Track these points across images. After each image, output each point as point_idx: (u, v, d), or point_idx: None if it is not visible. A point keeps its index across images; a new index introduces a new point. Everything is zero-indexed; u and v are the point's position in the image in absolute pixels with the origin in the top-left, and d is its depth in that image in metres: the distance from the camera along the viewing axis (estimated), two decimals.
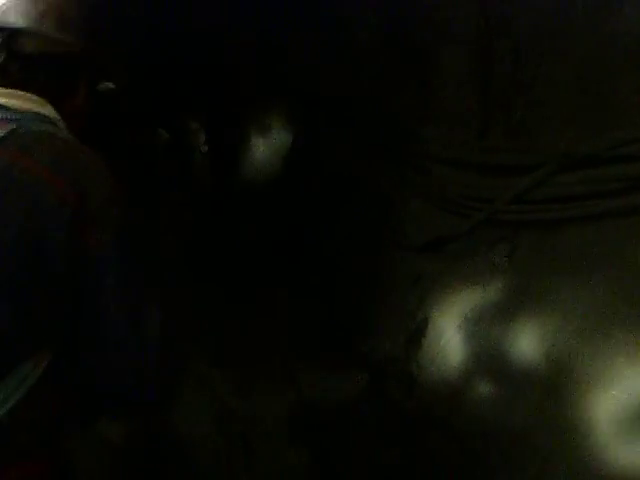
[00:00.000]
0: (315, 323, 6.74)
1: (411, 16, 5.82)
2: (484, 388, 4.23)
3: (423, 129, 5.84)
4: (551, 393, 3.60)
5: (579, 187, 3.75)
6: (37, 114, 1.45)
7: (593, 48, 3.83)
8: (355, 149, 7.24)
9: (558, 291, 3.91)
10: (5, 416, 1.28)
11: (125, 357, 1.33)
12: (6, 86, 1.47)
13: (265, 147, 11.17)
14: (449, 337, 4.80)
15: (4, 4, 1.52)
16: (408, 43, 5.94)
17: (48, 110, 1.47)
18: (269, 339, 6.32)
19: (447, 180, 5.24)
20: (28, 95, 1.45)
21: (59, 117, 1.49)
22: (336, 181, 8.23)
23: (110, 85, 1.75)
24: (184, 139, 10.61)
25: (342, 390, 5.45)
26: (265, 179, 10.38)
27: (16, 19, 1.46)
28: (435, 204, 5.53)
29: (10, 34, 1.51)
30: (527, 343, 4.05)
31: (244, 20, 8.92)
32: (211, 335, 5.77)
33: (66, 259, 1.28)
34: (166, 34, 8.36)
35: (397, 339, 5.50)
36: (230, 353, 5.87)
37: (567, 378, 3.59)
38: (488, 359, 4.37)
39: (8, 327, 1.26)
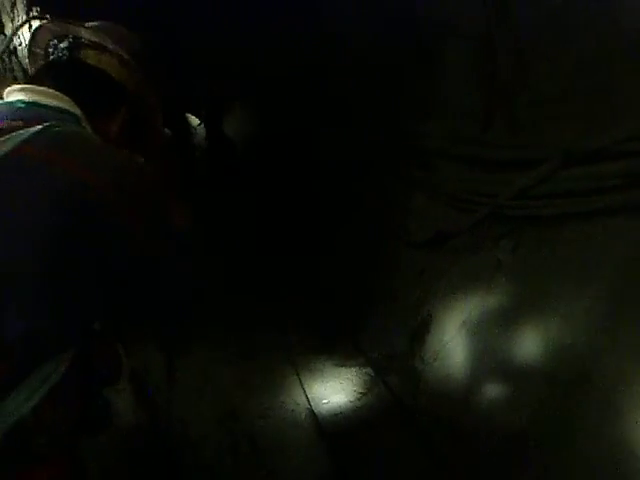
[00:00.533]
0: (319, 318, 6.77)
1: (415, 12, 5.84)
2: (488, 384, 4.23)
3: (426, 125, 5.85)
4: (555, 390, 3.61)
5: (582, 183, 3.75)
6: (70, 114, 1.46)
7: (596, 44, 3.83)
8: (358, 146, 7.26)
9: (562, 286, 3.91)
10: (28, 415, 1.29)
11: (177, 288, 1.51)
12: (55, 85, 1.49)
13: (266, 144, 11.18)
14: (453, 333, 4.81)
15: (94, 24, 1.60)
16: (412, 39, 5.95)
17: (78, 112, 1.49)
18: (273, 334, 6.34)
19: (450, 175, 5.25)
20: (60, 95, 1.47)
21: (88, 123, 1.51)
22: (339, 178, 8.27)
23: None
24: (185, 136, 10.63)
25: (346, 384, 5.47)
26: (267, 176, 10.40)
27: (90, 33, 1.52)
28: (438, 199, 5.54)
29: (80, 43, 1.54)
30: (531, 339, 4.05)
31: (247, 22, 8.96)
32: (214, 331, 5.78)
33: (105, 248, 1.32)
34: (169, 32, 8.39)
35: (401, 335, 5.52)
36: (234, 348, 5.88)
37: (570, 374, 3.59)
38: (492, 355, 4.37)
39: (45, 326, 1.27)
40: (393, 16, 6.16)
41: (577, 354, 3.60)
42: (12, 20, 3.43)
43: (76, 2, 4.12)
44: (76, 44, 1.56)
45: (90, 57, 1.55)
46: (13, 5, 3.53)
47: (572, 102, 4.00)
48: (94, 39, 1.56)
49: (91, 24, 1.63)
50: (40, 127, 1.32)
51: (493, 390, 4.20)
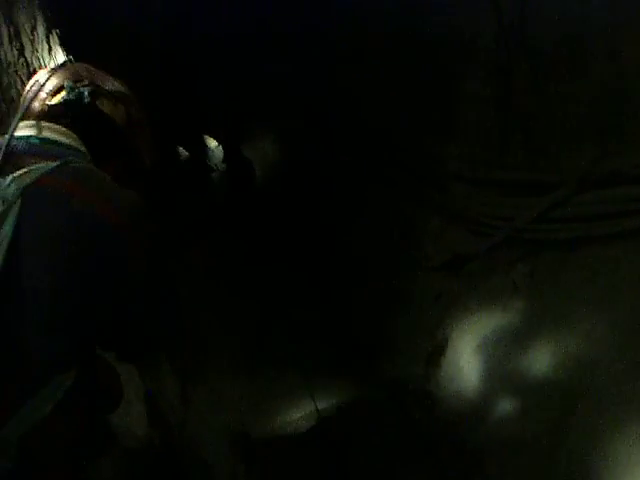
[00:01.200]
0: (335, 340, 6.75)
1: (432, 36, 5.86)
2: (503, 409, 4.20)
3: (443, 148, 5.85)
4: (569, 415, 3.58)
5: (599, 206, 3.73)
6: (80, 152, 1.54)
7: (613, 67, 3.83)
8: (375, 168, 7.27)
9: (579, 311, 3.88)
10: (35, 428, 1.32)
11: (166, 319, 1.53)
12: (69, 125, 1.57)
13: (282, 166, 11.23)
14: (468, 356, 4.79)
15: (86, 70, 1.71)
16: (429, 63, 5.97)
17: (85, 150, 1.58)
18: (288, 355, 6.32)
19: (467, 199, 5.24)
20: (70, 132, 1.55)
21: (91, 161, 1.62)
22: (356, 200, 8.27)
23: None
24: (202, 157, 10.69)
25: (361, 406, 5.44)
26: (283, 197, 10.42)
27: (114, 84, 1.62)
28: (455, 223, 5.53)
29: (100, 91, 1.64)
30: (547, 363, 4.03)
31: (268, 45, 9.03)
32: (229, 352, 5.78)
33: (114, 276, 1.37)
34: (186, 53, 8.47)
35: (417, 357, 5.49)
36: (248, 369, 5.87)
37: (588, 397, 3.56)
38: (507, 379, 4.35)
39: (58, 342, 1.31)
40: (411, 39, 6.19)
41: (595, 377, 3.57)
42: (32, 42, 3.48)
43: (94, 24, 4.20)
44: (97, 91, 1.64)
45: (105, 106, 1.64)
46: (33, 28, 3.58)
47: (589, 125, 3.99)
48: (112, 89, 1.64)
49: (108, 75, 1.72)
50: (59, 162, 1.38)
51: (509, 415, 4.17)
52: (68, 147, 1.49)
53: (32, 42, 3.56)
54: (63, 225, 1.30)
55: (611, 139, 3.76)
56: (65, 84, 1.64)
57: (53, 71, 1.69)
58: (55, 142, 1.48)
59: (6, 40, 3.40)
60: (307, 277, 8.92)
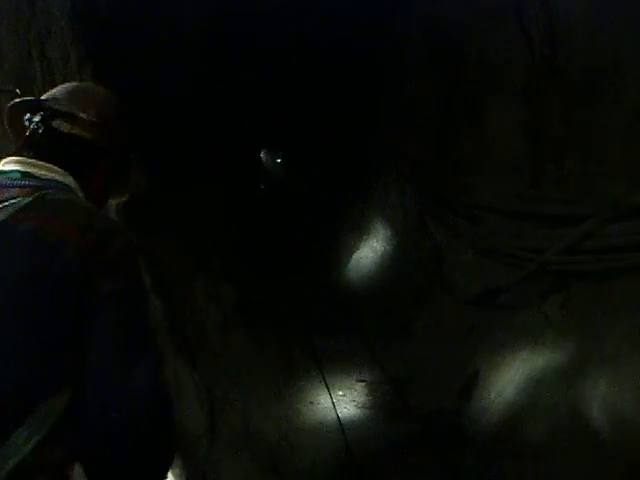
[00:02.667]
0: (366, 372, 6.71)
1: (464, 67, 5.89)
2: (536, 444, 4.12)
3: (474, 178, 5.84)
4: (607, 449, 3.50)
5: (630, 238, 3.68)
6: (60, 183, 1.59)
7: None
8: (408, 199, 7.27)
9: (611, 342, 3.82)
10: (29, 455, 1.32)
11: (112, 404, 1.36)
12: (37, 155, 1.62)
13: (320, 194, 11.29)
14: (500, 390, 4.72)
15: (56, 91, 1.72)
16: (459, 91, 5.99)
17: (69, 181, 1.62)
18: (317, 388, 6.30)
19: (498, 230, 5.22)
20: (54, 167, 1.61)
21: (79, 187, 1.65)
22: (388, 231, 8.27)
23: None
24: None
25: (394, 440, 5.38)
26: (320, 228, 10.47)
27: (60, 104, 1.65)
28: (486, 254, 5.50)
29: (52, 114, 1.68)
30: (581, 395, 3.95)
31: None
32: (256, 384, 5.77)
33: (84, 305, 1.37)
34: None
35: (448, 391, 5.43)
36: (277, 400, 5.86)
37: (624, 435, 3.48)
38: (540, 414, 4.27)
39: (36, 367, 1.33)
40: (442, 69, 6.23)
41: (627, 410, 3.50)
42: (65, 77, 3.55)
43: (126, 56, 4.27)
44: (48, 115, 1.68)
45: (63, 126, 1.68)
46: (66, 62, 3.66)
47: (620, 156, 3.95)
48: (64, 109, 1.68)
49: (63, 92, 1.74)
50: (33, 196, 1.45)
51: (541, 450, 4.08)
52: (48, 180, 1.55)
53: (65, 76, 3.64)
54: (25, 254, 1.36)
55: None
56: (25, 117, 1.70)
57: (9, 112, 1.76)
58: (36, 176, 1.54)
59: (39, 74, 3.48)
60: (338, 307, 8.93)
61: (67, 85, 1.79)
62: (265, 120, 12.22)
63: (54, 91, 1.75)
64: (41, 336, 1.34)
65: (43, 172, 1.61)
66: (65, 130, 1.69)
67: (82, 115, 1.67)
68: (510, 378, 4.69)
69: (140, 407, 1.38)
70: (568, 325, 4.32)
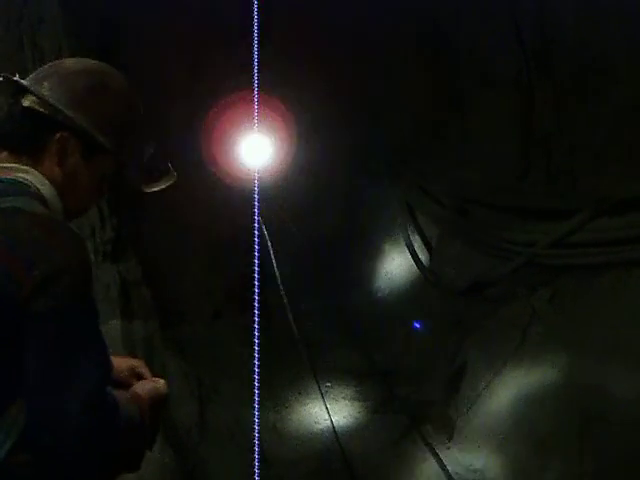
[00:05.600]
0: (353, 364, 6.72)
1: (454, 61, 5.90)
2: (522, 435, 4.16)
3: (463, 171, 5.86)
4: (587, 440, 3.54)
5: (619, 232, 3.71)
6: (19, 183, 1.49)
7: (633, 92, 3.83)
8: (396, 192, 7.27)
9: (599, 336, 3.85)
10: (5, 459, 1.32)
11: (42, 425, 1.36)
12: (2, 146, 1.55)
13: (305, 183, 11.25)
14: (488, 382, 4.75)
15: (39, 71, 1.63)
16: (448, 86, 6.00)
17: (32, 176, 1.51)
18: (305, 379, 6.30)
19: (487, 223, 5.23)
20: (15, 166, 1.51)
21: (46, 183, 1.54)
22: (376, 224, 8.28)
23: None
24: None
25: (380, 431, 5.40)
26: (306, 216, 10.44)
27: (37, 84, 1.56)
28: (475, 247, 5.52)
29: (22, 90, 1.59)
30: (567, 388, 3.99)
31: None
32: (247, 375, 5.77)
33: (14, 327, 1.33)
34: None
35: (436, 383, 5.46)
36: (266, 393, 5.85)
37: (607, 424, 3.52)
38: (527, 405, 4.31)
39: None
40: (433, 64, 6.23)
41: (614, 402, 3.54)
42: None
43: (119, 47, 4.26)
44: (10, 93, 1.59)
45: (22, 101, 1.55)
46: (58, 53, 3.64)
47: (609, 151, 3.98)
48: (25, 84, 1.57)
49: (42, 70, 1.64)
50: None
51: (527, 441, 4.12)
52: (7, 182, 1.47)
53: None
54: None
55: (631, 164, 3.75)
56: None
57: None
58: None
59: (30, 63, 3.46)
60: (325, 299, 8.93)
61: (53, 62, 1.69)
62: None
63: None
64: None
65: (3, 172, 1.52)
66: (25, 104, 1.55)
67: (43, 86, 1.55)
68: (498, 370, 4.72)
69: (69, 427, 1.35)
70: (556, 318, 4.35)
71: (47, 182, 1.54)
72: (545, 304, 4.45)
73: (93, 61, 1.70)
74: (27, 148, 1.55)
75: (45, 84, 1.56)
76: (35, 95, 1.54)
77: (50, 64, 1.68)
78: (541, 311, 4.48)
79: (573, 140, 4.38)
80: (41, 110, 1.54)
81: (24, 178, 1.50)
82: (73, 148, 1.58)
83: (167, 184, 1.78)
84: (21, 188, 1.48)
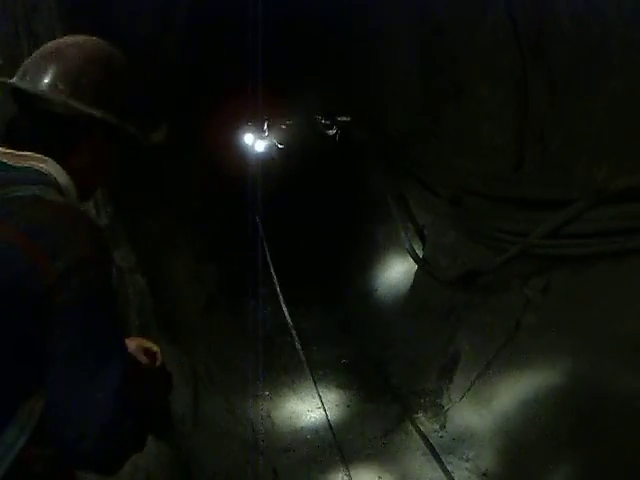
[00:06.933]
0: (346, 353, 6.75)
1: (449, 51, 5.89)
2: (514, 424, 4.17)
3: (457, 161, 5.86)
4: (580, 430, 3.56)
5: (613, 222, 3.71)
6: (35, 172, 1.46)
7: (629, 82, 3.82)
8: (391, 180, 7.28)
9: (592, 326, 3.86)
10: (11, 465, 1.31)
11: (68, 418, 1.34)
12: (17, 140, 1.50)
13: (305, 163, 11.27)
14: (480, 371, 4.76)
15: (29, 61, 1.57)
16: (444, 74, 6.00)
17: (48, 165, 1.48)
18: (299, 368, 6.32)
19: (482, 213, 5.24)
20: (31, 154, 1.48)
21: (62, 172, 1.50)
22: (369, 212, 8.29)
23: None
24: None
25: (373, 420, 5.43)
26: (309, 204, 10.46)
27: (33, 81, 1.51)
28: (469, 236, 5.53)
29: (16, 89, 1.55)
30: (560, 378, 4.00)
31: None
32: (240, 364, 5.79)
33: (38, 317, 1.31)
34: None
35: (429, 372, 5.48)
36: (260, 382, 5.88)
37: (601, 411, 3.53)
38: (521, 394, 4.32)
39: (10, 369, 1.30)
40: (428, 54, 6.23)
41: (607, 393, 3.55)
42: None
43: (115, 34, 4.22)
44: (13, 94, 1.56)
45: (29, 103, 1.54)
46: (53, 38, 3.62)
47: (604, 142, 3.98)
48: (23, 86, 1.54)
49: (34, 60, 1.59)
50: None
51: (521, 430, 4.14)
52: (23, 169, 1.45)
53: None
54: None
55: (626, 155, 3.74)
56: None
57: None
58: (9, 165, 1.44)
59: (26, 51, 3.43)
60: (318, 289, 8.95)
61: (42, 49, 1.62)
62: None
63: (27, 62, 1.60)
64: (3, 340, 1.30)
65: (19, 160, 1.49)
66: (39, 108, 1.52)
67: (45, 82, 1.51)
68: (491, 360, 4.74)
69: (98, 418, 1.34)
70: (549, 308, 4.36)
71: (63, 171, 1.53)
72: (539, 294, 4.46)
73: (88, 42, 1.65)
74: (45, 146, 1.53)
75: (54, 82, 1.53)
76: (51, 100, 1.52)
77: (46, 51, 1.62)
78: (535, 301, 4.50)
79: (568, 130, 4.38)
80: (61, 112, 1.52)
81: (40, 166, 1.49)
82: (95, 141, 1.58)
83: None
84: (38, 176, 1.47)
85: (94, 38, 1.67)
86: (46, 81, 1.53)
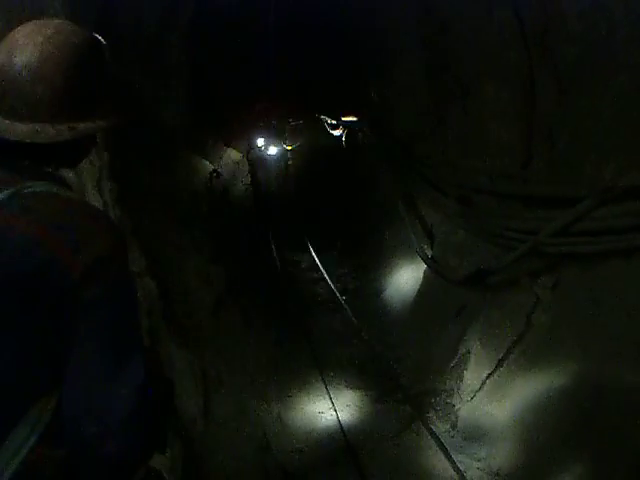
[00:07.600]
0: (357, 354, 6.75)
1: (454, 47, 5.88)
2: (525, 423, 4.17)
3: (465, 159, 5.85)
4: (589, 431, 3.56)
5: (622, 220, 3.69)
6: (45, 169, 1.45)
7: (636, 79, 3.80)
8: (400, 180, 7.28)
9: (602, 323, 3.85)
10: (20, 465, 1.31)
11: (89, 414, 1.33)
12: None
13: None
14: (491, 370, 4.76)
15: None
16: (452, 76, 5.98)
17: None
18: (310, 369, 6.32)
19: (490, 211, 5.23)
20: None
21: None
22: (379, 212, 8.28)
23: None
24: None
25: (384, 420, 5.42)
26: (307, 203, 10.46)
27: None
28: (478, 236, 5.51)
29: None
30: (571, 376, 3.99)
31: None
32: (252, 365, 5.80)
33: (62, 309, 1.30)
34: None
35: (440, 371, 5.48)
36: (271, 383, 5.88)
37: (613, 409, 3.52)
38: (532, 393, 4.32)
39: (12, 371, 1.29)
40: (434, 51, 6.22)
41: (618, 391, 3.54)
42: None
43: (119, 28, 4.24)
44: None
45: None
46: None
47: (611, 139, 3.97)
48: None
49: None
50: (10, 191, 1.33)
51: (532, 429, 4.13)
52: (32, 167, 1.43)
53: None
54: (5, 258, 1.28)
55: (634, 152, 3.73)
56: None
57: None
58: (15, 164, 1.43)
59: None
60: (328, 288, 8.96)
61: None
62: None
63: None
64: (19, 338, 1.29)
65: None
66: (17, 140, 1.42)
67: (22, 130, 1.41)
68: (502, 358, 4.74)
69: (121, 415, 1.34)
70: (559, 306, 4.35)
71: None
72: (549, 292, 4.45)
73: (56, 38, 1.44)
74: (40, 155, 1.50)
75: (33, 127, 1.41)
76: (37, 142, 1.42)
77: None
78: (545, 299, 4.49)
79: (575, 128, 4.36)
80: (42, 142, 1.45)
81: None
82: (84, 144, 1.57)
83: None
84: (48, 173, 1.46)
85: (47, 35, 1.44)
86: (23, 129, 1.42)
